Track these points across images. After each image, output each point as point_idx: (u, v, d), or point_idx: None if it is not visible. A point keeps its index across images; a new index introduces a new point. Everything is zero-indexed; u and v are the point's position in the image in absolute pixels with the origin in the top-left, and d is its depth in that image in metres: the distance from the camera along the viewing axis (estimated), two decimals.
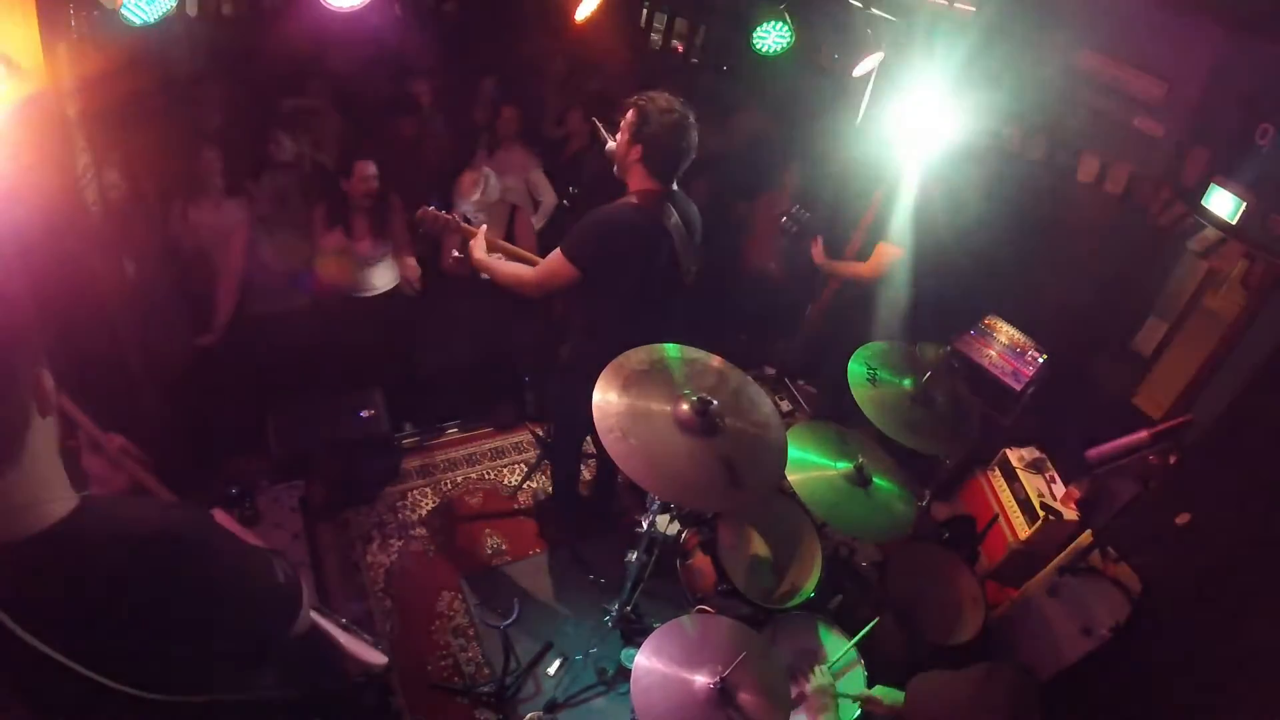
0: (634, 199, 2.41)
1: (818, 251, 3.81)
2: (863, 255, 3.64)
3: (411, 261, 3.50)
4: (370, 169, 3.20)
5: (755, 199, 4.46)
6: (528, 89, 4.29)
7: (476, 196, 3.71)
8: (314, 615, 1.52)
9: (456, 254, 2.80)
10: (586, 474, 3.53)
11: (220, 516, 1.29)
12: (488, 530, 3.34)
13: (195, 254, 3.19)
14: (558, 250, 2.41)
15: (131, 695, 0.96)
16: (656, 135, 2.34)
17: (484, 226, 2.72)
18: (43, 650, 0.89)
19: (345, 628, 1.57)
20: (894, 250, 3.45)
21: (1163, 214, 3.28)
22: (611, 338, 2.26)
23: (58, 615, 0.92)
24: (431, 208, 2.75)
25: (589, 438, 3.14)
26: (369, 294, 3.44)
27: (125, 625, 0.95)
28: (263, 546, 1.18)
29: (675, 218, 2.46)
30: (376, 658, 1.61)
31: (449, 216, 2.75)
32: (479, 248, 2.64)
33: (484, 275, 2.64)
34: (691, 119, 2.36)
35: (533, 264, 2.62)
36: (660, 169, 2.40)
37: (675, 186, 2.47)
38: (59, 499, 0.96)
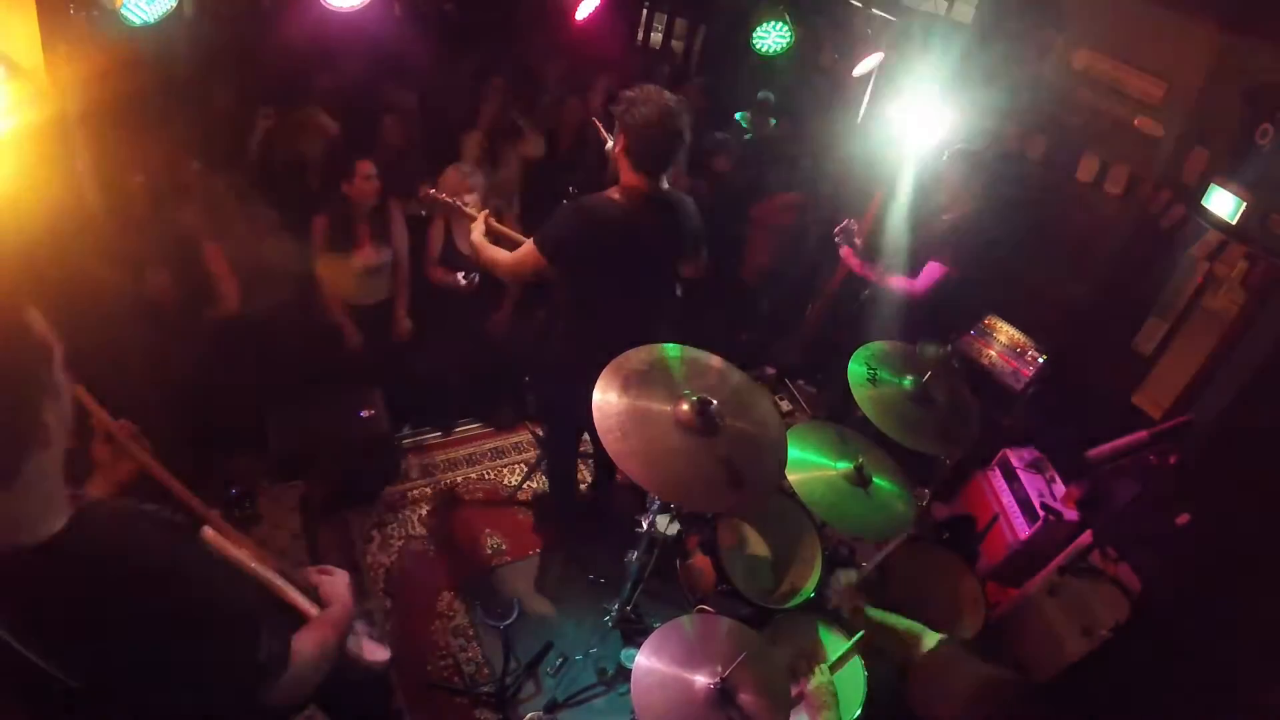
0: (615, 193, 2.38)
1: (853, 260, 3.57)
2: (869, 255, 3.62)
3: (403, 316, 3.55)
4: (370, 168, 3.19)
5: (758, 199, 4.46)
6: (526, 87, 4.30)
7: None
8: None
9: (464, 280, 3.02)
10: (586, 474, 3.53)
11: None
12: (488, 530, 3.34)
13: (192, 252, 3.19)
14: (531, 238, 2.41)
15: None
16: (637, 125, 2.28)
17: (485, 212, 2.71)
18: (20, 650, 0.91)
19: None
20: (945, 269, 3.33)
21: (1164, 216, 3.28)
22: (585, 334, 2.24)
23: (36, 626, 0.93)
24: (434, 190, 2.79)
25: (586, 437, 3.15)
26: (370, 303, 3.45)
27: (95, 644, 0.96)
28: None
29: (662, 216, 2.41)
30: (379, 655, 1.61)
31: (451, 200, 2.77)
32: (476, 230, 2.64)
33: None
34: (676, 109, 2.28)
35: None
36: (643, 161, 2.33)
37: (665, 183, 2.41)
38: (54, 515, 0.97)
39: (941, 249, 3.34)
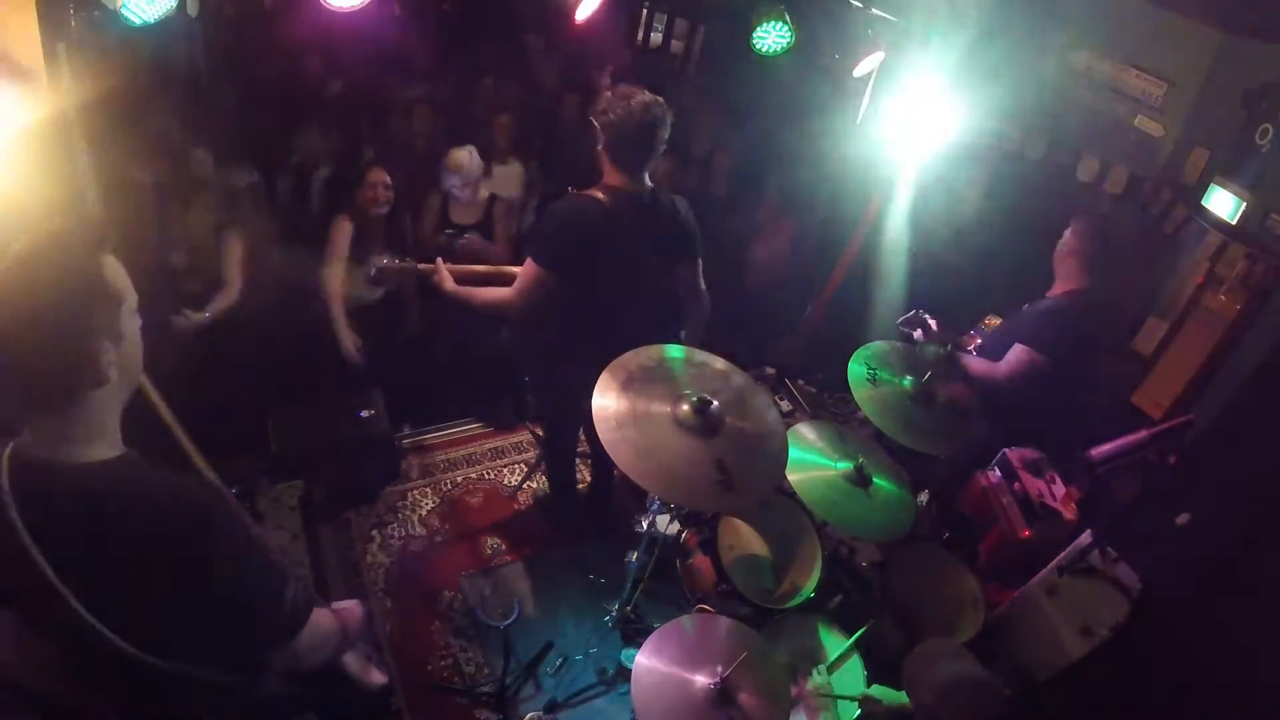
0: (596, 191, 2.38)
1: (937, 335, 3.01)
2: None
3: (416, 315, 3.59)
4: (384, 176, 3.17)
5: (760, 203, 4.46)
6: (524, 87, 4.30)
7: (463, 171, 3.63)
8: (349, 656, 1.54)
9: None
10: (585, 474, 3.53)
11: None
12: (488, 530, 3.34)
13: (194, 252, 3.19)
14: (527, 257, 2.36)
15: (128, 657, 1.00)
16: (613, 123, 2.30)
17: (439, 259, 2.60)
18: (53, 583, 0.95)
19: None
20: (1034, 356, 2.80)
21: (1169, 221, 3.28)
22: (578, 333, 2.23)
23: (74, 547, 0.98)
24: (386, 261, 2.70)
25: (583, 437, 3.15)
26: (375, 300, 3.45)
27: (132, 574, 1.00)
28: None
29: (645, 213, 2.40)
30: (376, 679, 1.62)
31: (405, 264, 2.67)
32: (447, 282, 2.55)
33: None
34: (652, 107, 2.28)
35: (508, 279, 2.51)
36: (620, 158, 2.35)
37: (647, 181, 2.41)
38: (103, 445, 1.05)
39: (1037, 331, 2.84)
